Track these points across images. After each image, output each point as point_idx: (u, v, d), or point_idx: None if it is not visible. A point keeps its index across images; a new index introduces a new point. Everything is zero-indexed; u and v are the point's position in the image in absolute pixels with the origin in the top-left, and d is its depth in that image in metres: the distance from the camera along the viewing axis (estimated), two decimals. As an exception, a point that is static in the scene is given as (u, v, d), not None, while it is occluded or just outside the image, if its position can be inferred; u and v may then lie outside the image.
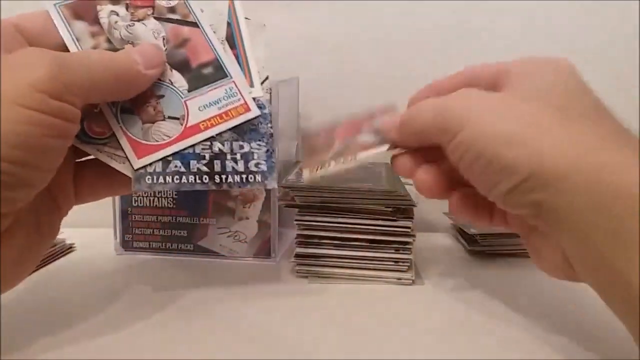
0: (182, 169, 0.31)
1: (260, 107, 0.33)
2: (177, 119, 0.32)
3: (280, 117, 0.41)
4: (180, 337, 0.31)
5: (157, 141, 0.31)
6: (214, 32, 0.34)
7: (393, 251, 0.39)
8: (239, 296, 0.37)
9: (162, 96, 0.32)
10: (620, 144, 0.25)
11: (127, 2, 0.33)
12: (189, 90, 0.32)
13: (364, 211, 0.39)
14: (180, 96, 0.32)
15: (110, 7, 0.32)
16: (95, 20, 0.32)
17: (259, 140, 0.33)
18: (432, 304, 0.36)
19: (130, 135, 0.31)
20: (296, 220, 0.39)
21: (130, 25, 0.32)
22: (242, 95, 0.33)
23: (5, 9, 0.47)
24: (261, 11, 0.36)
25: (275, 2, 0.52)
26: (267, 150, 0.33)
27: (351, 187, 0.39)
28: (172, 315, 0.34)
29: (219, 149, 0.32)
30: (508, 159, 0.26)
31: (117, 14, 0.32)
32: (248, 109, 0.33)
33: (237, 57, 0.34)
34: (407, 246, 0.39)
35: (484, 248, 0.45)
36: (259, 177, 0.32)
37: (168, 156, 0.31)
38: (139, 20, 0.33)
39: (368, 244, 0.39)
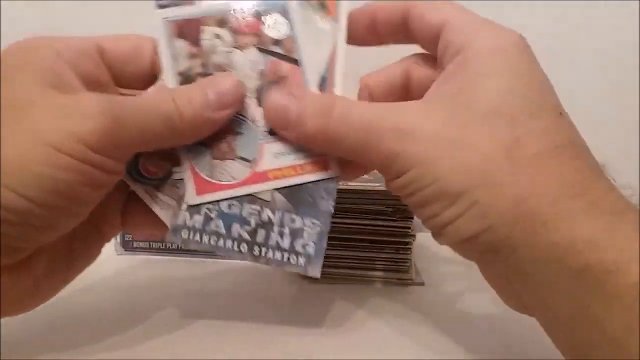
0: (222, 231, 0.29)
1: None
2: (248, 161, 0.29)
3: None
4: (181, 337, 0.31)
5: (220, 180, 0.29)
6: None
7: (393, 251, 0.39)
8: (239, 296, 0.37)
9: (241, 134, 0.30)
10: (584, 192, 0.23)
11: (233, 26, 0.31)
12: (269, 133, 0.30)
13: (364, 211, 0.39)
14: (259, 138, 0.30)
15: (216, 30, 0.31)
16: (197, 41, 0.30)
17: (315, 218, 0.29)
18: (432, 304, 0.37)
19: (196, 169, 0.29)
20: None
21: (229, 52, 0.31)
22: (325, 151, 0.30)
23: (5, 9, 0.48)
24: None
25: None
26: (320, 232, 0.29)
27: (351, 187, 0.38)
28: (172, 315, 0.34)
29: (268, 217, 0.29)
30: (450, 219, 0.25)
31: (220, 38, 0.31)
32: (326, 168, 0.30)
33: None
34: (407, 246, 0.39)
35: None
36: (302, 261, 0.29)
37: (212, 215, 0.29)
38: (239, 48, 0.31)
39: (368, 244, 0.39)
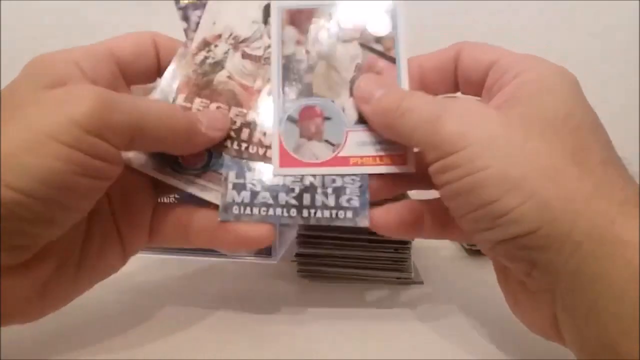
0: (270, 201, 0.31)
1: None
2: (333, 145, 0.31)
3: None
4: (180, 337, 0.32)
5: (303, 158, 0.31)
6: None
7: (392, 251, 0.39)
8: (239, 295, 0.38)
9: (329, 119, 0.32)
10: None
11: (340, 20, 0.33)
12: (357, 122, 0.31)
13: None
14: (345, 125, 0.31)
15: (325, 23, 0.33)
16: (305, 30, 0.33)
17: (353, 175, 0.31)
18: (432, 303, 0.37)
19: (284, 142, 0.31)
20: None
21: (332, 44, 0.33)
22: (405, 146, 0.31)
23: (5, 9, 0.49)
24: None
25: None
26: (361, 186, 0.30)
27: None
28: (171, 315, 0.34)
29: (310, 182, 0.31)
30: (510, 207, 0.23)
31: (328, 31, 0.33)
32: (404, 163, 0.31)
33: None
34: (406, 246, 0.39)
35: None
36: (349, 214, 0.30)
37: (258, 189, 0.31)
38: (344, 42, 0.33)
39: (368, 244, 0.39)
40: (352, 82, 0.32)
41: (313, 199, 0.31)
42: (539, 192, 0.23)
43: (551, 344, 0.27)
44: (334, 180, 0.31)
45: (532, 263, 0.24)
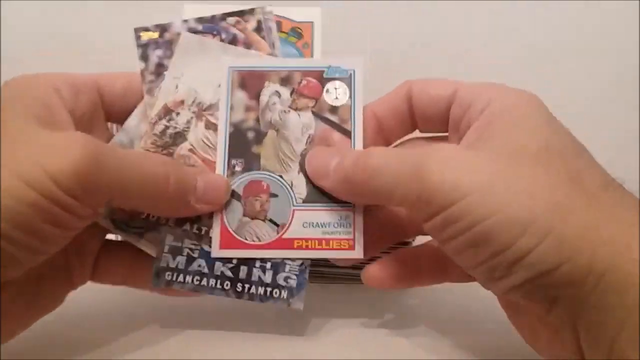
0: (205, 270, 0.29)
1: None
2: (277, 225, 0.29)
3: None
4: (180, 337, 0.32)
5: (245, 239, 0.29)
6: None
7: (392, 251, 0.35)
8: None
9: (276, 196, 0.30)
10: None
11: (295, 87, 0.31)
12: (304, 201, 0.29)
13: None
14: (293, 203, 0.29)
15: (277, 87, 0.31)
16: (256, 95, 0.31)
17: None
18: (431, 303, 0.36)
19: (225, 220, 0.29)
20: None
21: (285, 112, 0.31)
22: (354, 230, 0.29)
23: (5, 9, 0.48)
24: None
25: None
26: (302, 264, 0.29)
27: None
28: (171, 316, 0.34)
29: None
30: (527, 250, 0.22)
31: (279, 96, 0.31)
32: (352, 248, 0.29)
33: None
34: (406, 246, 0.36)
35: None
36: (284, 293, 0.29)
37: (195, 255, 0.29)
38: (296, 110, 0.31)
39: None
40: (303, 155, 0.30)
41: (250, 272, 0.29)
42: (554, 229, 0.22)
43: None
44: None
45: (553, 300, 0.23)
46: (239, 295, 0.29)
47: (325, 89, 0.31)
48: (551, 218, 0.22)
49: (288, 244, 0.29)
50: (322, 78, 0.31)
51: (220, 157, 0.30)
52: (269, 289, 0.29)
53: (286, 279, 0.29)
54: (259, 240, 0.29)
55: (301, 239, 0.29)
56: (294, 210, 0.29)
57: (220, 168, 0.30)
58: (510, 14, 0.51)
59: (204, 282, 0.29)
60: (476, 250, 0.23)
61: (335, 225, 0.29)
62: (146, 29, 0.32)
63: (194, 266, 0.29)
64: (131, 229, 0.29)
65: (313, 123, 0.30)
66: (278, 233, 0.29)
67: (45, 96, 0.26)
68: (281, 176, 0.30)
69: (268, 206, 0.29)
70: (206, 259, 0.29)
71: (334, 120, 0.30)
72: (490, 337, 0.31)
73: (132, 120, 0.31)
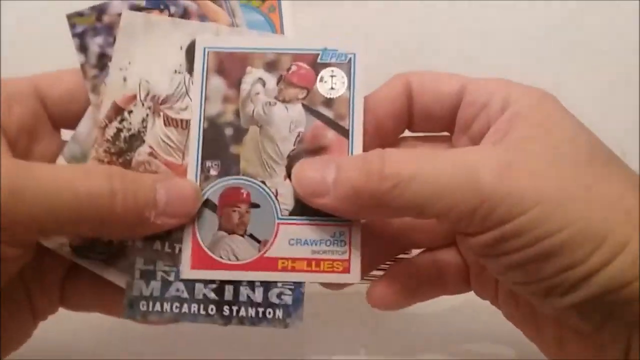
0: (185, 295, 0.25)
1: None
2: (259, 242, 0.25)
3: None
4: (179, 337, 0.32)
5: (221, 257, 0.25)
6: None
7: None
8: None
9: (258, 206, 0.25)
10: None
11: (283, 73, 0.26)
12: (291, 213, 0.25)
13: None
14: (277, 215, 0.25)
15: (262, 73, 0.26)
16: (236, 83, 0.26)
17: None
18: (431, 302, 0.34)
19: (198, 235, 0.25)
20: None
21: (270, 104, 0.26)
22: (349, 250, 0.24)
23: (5, 9, 0.47)
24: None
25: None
26: None
27: None
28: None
29: None
30: (600, 266, 0.20)
31: (264, 85, 0.26)
32: (347, 270, 0.24)
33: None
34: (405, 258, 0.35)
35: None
36: (279, 313, 0.24)
37: (171, 279, 0.25)
38: (283, 102, 0.26)
39: None
40: (291, 158, 0.25)
41: (237, 292, 0.25)
42: (630, 242, 0.20)
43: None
44: None
45: (608, 316, 0.21)
46: (227, 320, 0.25)
47: (318, 77, 0.26)
48: (627, 229, 0.20)
49: (271, 264, 0.25)
50: (315, 63, 0.26)
51: (192, 159, 0.25)
52: (260, 310, 0.25)
53: (279, 295, 0.25)
54: (237, 259, 0.25)
55: (286, 259, 0.25)
56: (278, 224, 0.25)
57: (193, 172, 0.25)
58: (510, 14, 0.50)
59: (185, 308, 0.25)
60: (540, 266, 0.21)
61: (328, 243, 0.25)
62: (80, 14, 0.26)
63: (172, 291, 0.25)
64: (94, 254, 0.25)
65: (303, 118, 0.26)
66: (259, 251, 0.25)
67: None
68: (264, 182, 0.25)
69: (248, 218, 0.25)
70: (185, 282, 0.25)
71: (328, 116, 0.25)
72: (492, 337, 0.32)
73: (82, 127, 0.26)
